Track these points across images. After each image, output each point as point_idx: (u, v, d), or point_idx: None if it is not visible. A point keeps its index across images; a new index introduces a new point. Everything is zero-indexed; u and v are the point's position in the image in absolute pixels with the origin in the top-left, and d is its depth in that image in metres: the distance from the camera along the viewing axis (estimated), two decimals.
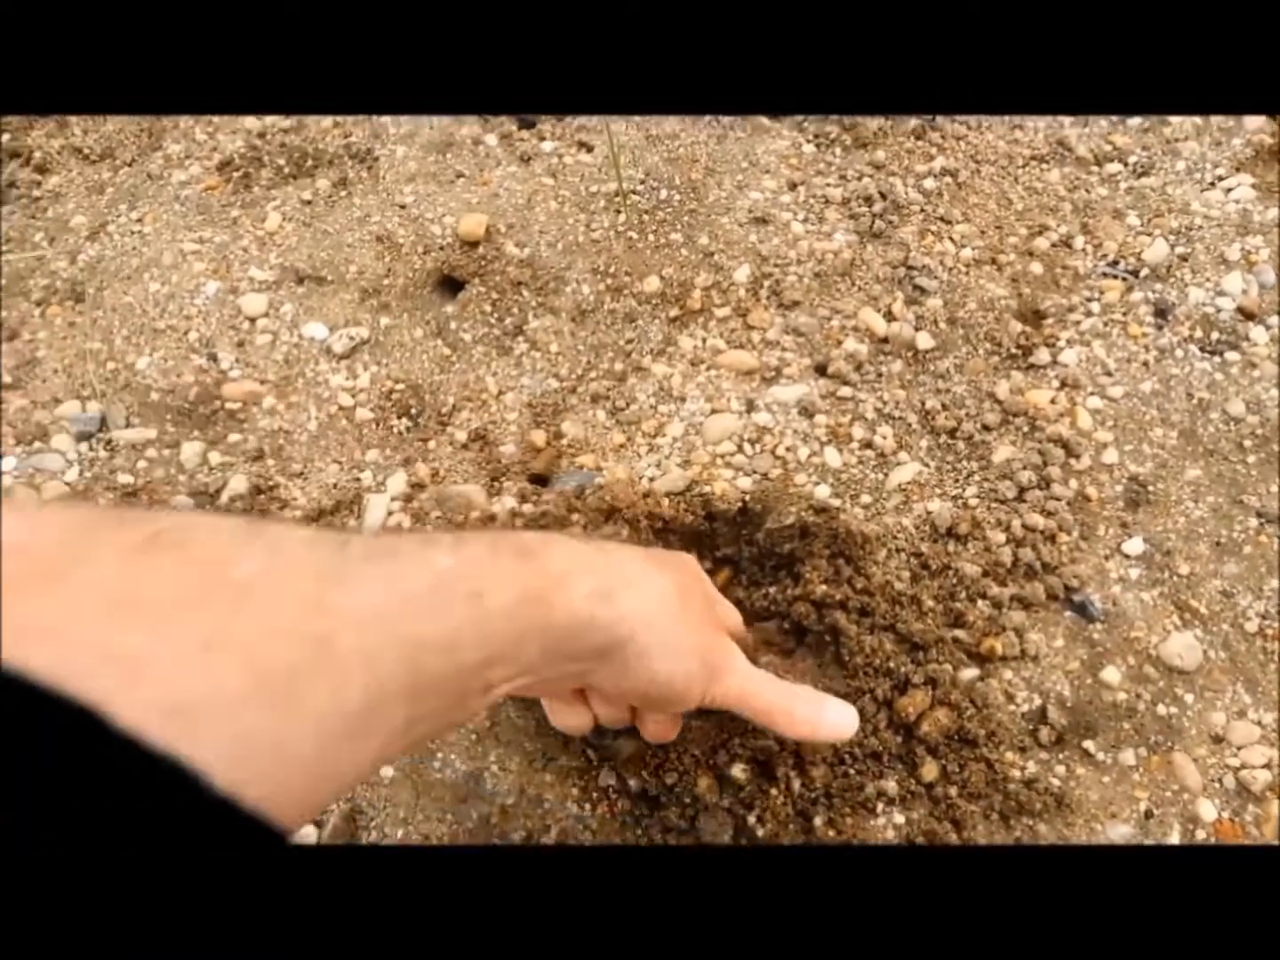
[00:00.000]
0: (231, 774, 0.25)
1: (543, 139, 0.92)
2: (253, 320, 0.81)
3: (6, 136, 0.95)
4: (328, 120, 0.95)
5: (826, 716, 0.49)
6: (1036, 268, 0.81)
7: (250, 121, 0.95)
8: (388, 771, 0.61)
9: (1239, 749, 0.60)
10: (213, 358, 0.79)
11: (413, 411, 0.76)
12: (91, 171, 0.94)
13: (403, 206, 0.88)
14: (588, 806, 0.59)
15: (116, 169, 0.94)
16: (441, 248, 0.85)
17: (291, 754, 0.27)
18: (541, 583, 0.37)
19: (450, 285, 0.84)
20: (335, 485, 0.73)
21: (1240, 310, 0.77)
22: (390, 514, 0.71)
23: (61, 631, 0.24)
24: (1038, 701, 0.62)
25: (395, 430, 0.76)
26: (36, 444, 0.75)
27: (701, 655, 0.46)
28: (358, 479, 0.73)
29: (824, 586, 0.64)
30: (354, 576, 0.31)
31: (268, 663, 0.27)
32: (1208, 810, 0.58)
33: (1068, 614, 0.65)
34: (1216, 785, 0.59)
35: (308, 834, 0.58)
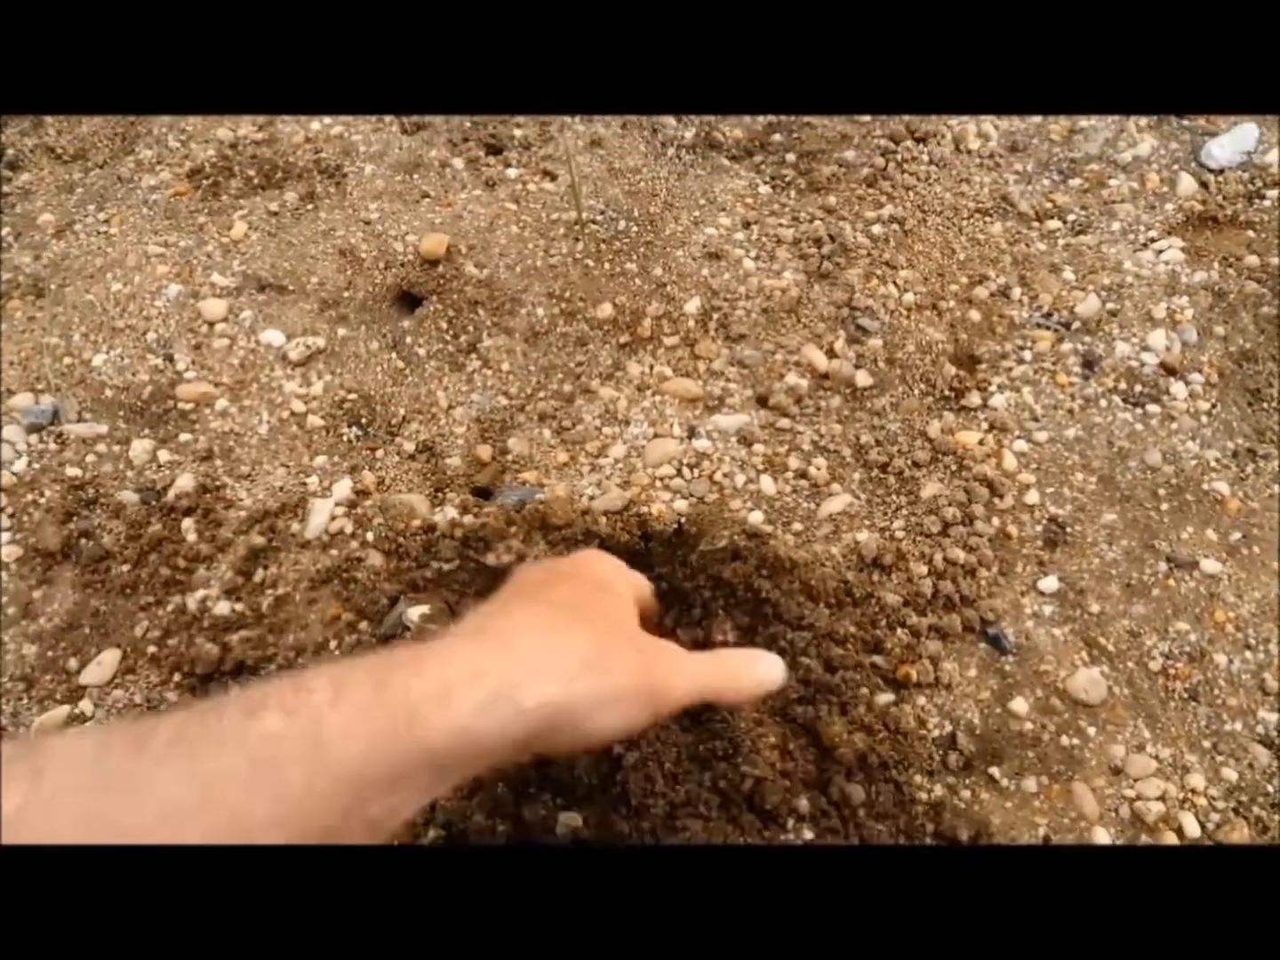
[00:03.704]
0: None
1: (508, 165, 0.95)
2: (211, 324, 0.83)
3: None
4: (299, 134, 0.97)
5: (759, 674, 0.48)
6: (974, 315, 0.85)
7: (223, 131, 0.97)
8: None
9: (1135, 781, 0.62)
10: (169, 358, 0.80)
11: (363, 421, 0.78)
12: (63, 171, 0.95)
13: (367, 222, 0.90)
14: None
15: (88, 170, 0.95)
16: (402, 264, 0.87)
17: None
18: (402, 714, 0.34)
19: (408, 301, 0.86)
20: (281, 488, 0.74)
21: (1163, 365, 0.80)
22: (334, 518, 0.72)
23: None
24: (948, 728, 0.64)
25: (344, 438, 0.77)
26: None
27: (641, 689, 0.42)
28: (304, 483, 0.74)
29: None
30: (148, 778, 0.31)
31: None
32: (1102, 838, 0.60)
33: (982, 645, 0.67)
34: (1112, 814, 0.61)
35: None
